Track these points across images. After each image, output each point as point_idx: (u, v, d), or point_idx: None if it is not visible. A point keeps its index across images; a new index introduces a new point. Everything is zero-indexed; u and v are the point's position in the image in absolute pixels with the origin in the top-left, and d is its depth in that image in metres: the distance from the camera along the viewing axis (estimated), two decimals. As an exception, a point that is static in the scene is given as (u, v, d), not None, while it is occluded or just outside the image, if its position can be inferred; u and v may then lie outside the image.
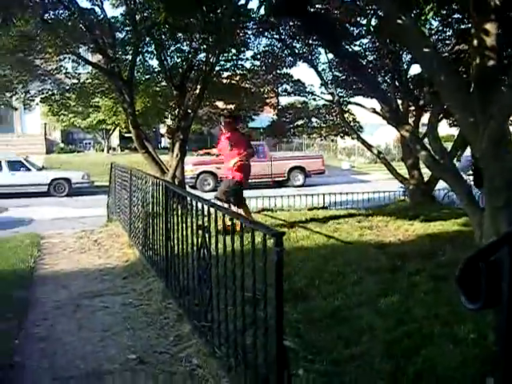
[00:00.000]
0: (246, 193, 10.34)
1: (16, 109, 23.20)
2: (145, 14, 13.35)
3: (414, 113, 16.02)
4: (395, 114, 11.28)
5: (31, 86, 17.79)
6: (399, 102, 15.52)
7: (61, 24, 13.11)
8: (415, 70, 32.45)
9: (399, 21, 7.16)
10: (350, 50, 14.77)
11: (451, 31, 13.48)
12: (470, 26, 10.33)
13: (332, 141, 39.36)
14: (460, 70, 10.70)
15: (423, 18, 8.43)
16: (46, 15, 13.22)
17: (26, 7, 11.50)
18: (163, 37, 14.39)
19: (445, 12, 11.15)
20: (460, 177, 8.29)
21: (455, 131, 19.85)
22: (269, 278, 3.30)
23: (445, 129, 19.72)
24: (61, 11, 13.44)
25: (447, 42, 14.05)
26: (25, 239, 9.93)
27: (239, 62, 17.26)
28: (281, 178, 27.46)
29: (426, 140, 12.18)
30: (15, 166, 24.21)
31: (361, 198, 17.73)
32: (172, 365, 4.44)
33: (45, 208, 19.94)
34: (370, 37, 15.62)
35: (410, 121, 14.61)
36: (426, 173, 14.53)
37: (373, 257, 7.83)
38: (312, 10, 11.72)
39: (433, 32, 13.61)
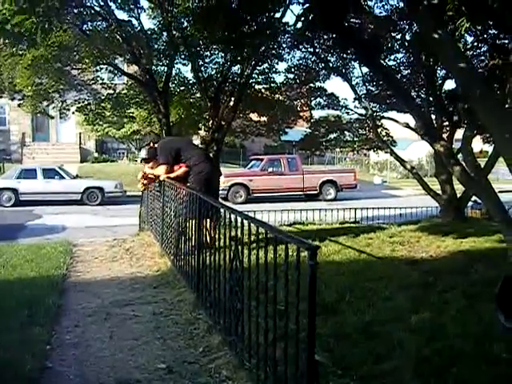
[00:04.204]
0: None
1: (52, 117, 23.52)
2: (181, 25, 13.49)
3: (448, 128, 15.89)
4: (429, 129, 11.20)
5: (68, 95, 18.07)
6: (433, 117, 15.42)
7: (98, 35, 13.32)
8: (450, 85, 32.30)
9: (434, 35, 7.14)
10: (385, 64, 14.74)
11: (486, 47, 13.38)
12: (506, 41, 10.29)
13: (364, 155, 39.25)
14: (495, 85, 10.60)
15: (457, 33, 8.38)
16: (85, 26, 13.46)
17: (64, 18, 11.67)
18: (198, 48, 14.50)
19: (480, 27, 11.08)
20: (494, 193, 8.20)
21: (488, 147, 19.67)
22: (301, 291, 3.30)
23: (478, 145, 19.55)
24: (99, 23, 13.69)
25: (482, 57, 13.94)
26: (58, 246, 10.01)
27: (273, 75, 17.34)
28: (313, 192, 27.43)
29: (459, 156, 12.10)
30: (50, 174, 24.53)
31: (393, 214, 17.63)
32: (201, 376, 4.42)
33: (77, 216, 20.19)
34: (404, 51, 15.59)
35: (444, 136, 14.49)
36: (459, 189, 14.38)
37: (404, 273, 7.78)
38: (347, 24, 11.73)
39: (468, 47, 13.52)
